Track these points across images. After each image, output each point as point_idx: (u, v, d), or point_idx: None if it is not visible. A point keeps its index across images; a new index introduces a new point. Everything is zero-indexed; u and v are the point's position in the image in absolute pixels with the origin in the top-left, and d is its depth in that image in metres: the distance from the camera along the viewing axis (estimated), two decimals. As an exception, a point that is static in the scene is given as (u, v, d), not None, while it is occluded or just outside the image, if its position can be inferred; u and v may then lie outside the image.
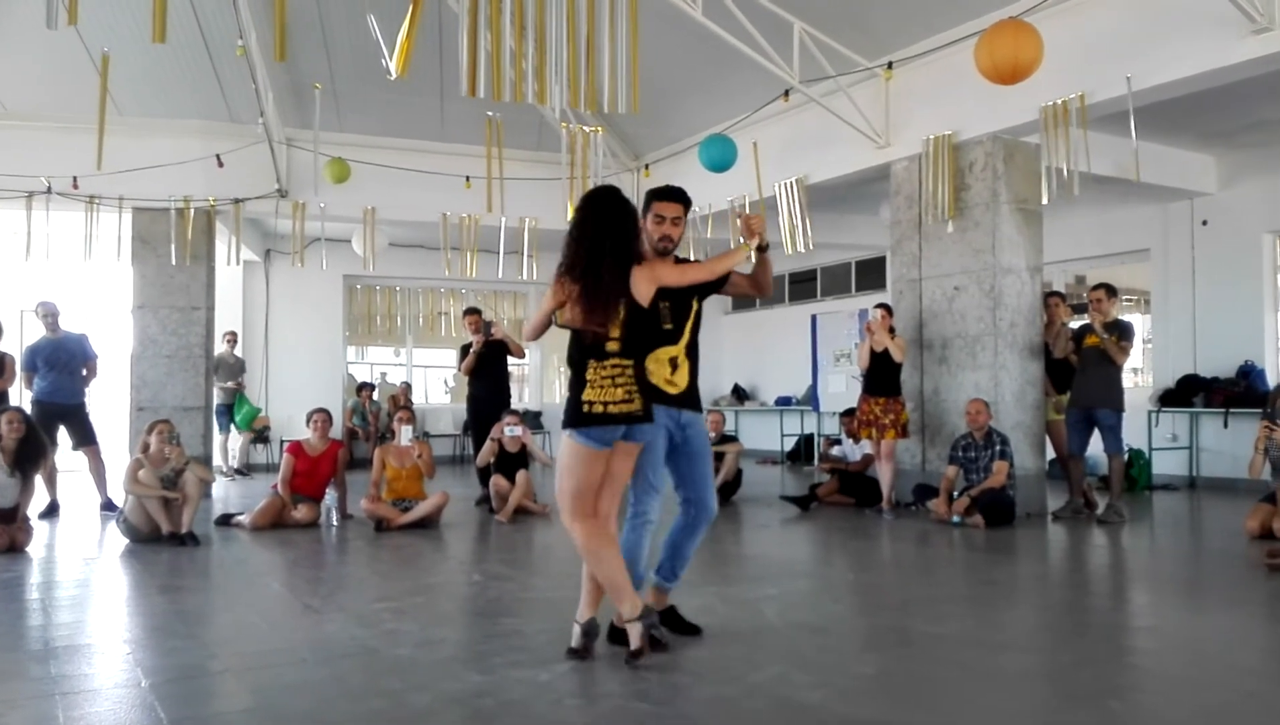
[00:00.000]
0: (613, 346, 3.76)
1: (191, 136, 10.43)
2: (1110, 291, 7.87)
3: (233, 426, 12.53)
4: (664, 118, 10.81)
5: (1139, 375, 11.99)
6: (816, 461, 11.81)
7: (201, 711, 3.45)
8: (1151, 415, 10.48)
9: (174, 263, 10.49)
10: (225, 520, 7.79)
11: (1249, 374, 10.02)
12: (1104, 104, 7.33)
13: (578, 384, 3.79)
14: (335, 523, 7.86)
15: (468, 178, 10.68)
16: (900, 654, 4.09)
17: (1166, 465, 10.49)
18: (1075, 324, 8.57)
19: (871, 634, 4.50)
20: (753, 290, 4.35)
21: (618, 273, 3.75)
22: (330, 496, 7.98)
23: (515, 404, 9.72)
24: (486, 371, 9.27)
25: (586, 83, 6.94)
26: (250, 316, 13.76)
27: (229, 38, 8.57)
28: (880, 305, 8.48)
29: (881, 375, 8.23)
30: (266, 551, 6.74)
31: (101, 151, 8.47)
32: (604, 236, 3.76)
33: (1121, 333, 7.75)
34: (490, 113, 9.83)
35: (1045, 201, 7.88)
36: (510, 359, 9.51)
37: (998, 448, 7.63)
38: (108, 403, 10.73)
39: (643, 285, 3.82)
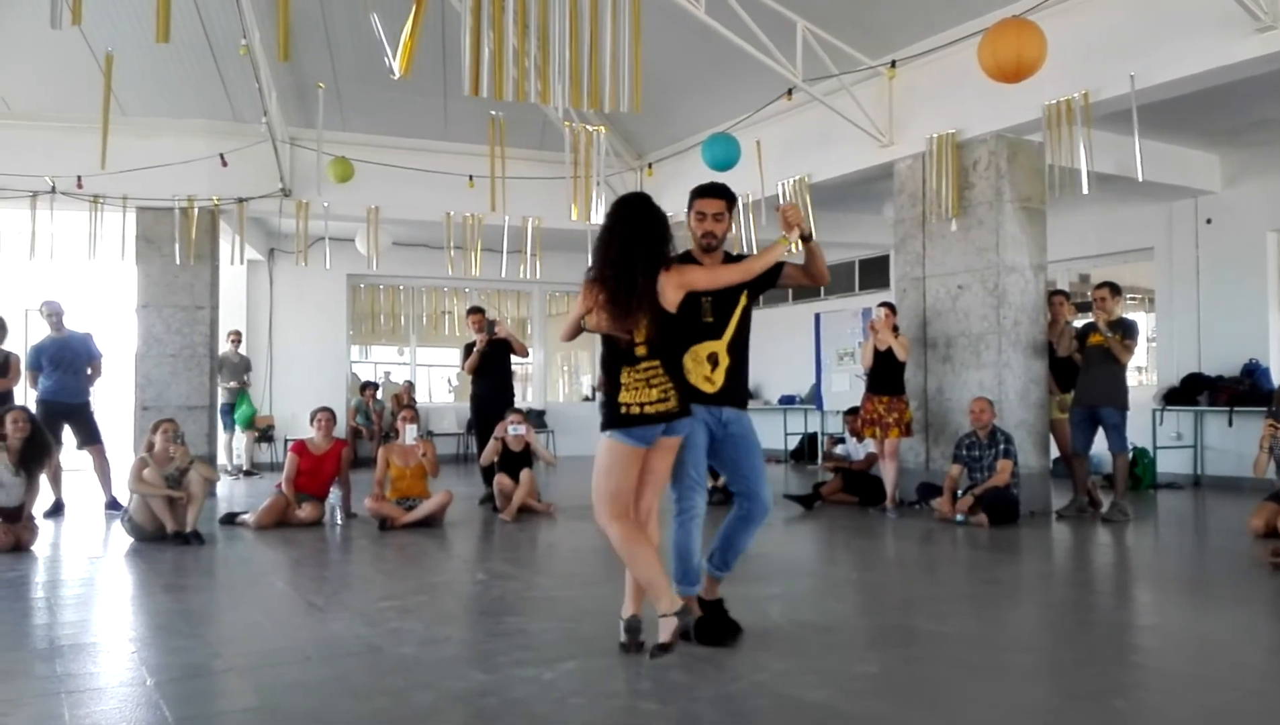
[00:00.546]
0: (641, 351, 3.77)
1: (195, 136, 10.45)
2: (1114, 290, 7.86)
3: (236, 426, 12.55)
4: (667, 116, 10.81)
5: (1143, 374, 11.97)
6: (820, 460, 11.81)
7: (206, 710, 3.46)
8: (1156, 414, 10.47)
9: (178, 262, 10.51)
10: (230, 519, 7.80)
11: (1253, 372, 10.01)
12: (1107, 102, 7.32)
13: (614, 388, 3.80)
14: (339, 522, 7.86)
15: (471, 177, 10.69)
16: (904, 653, 4.09)
17: (1171, 464, 10.48)
18: (1079, 323, 8.56)
19: (875, 633, 4.49)
20: (808, 280, 4.28)
21: (643, 281, 3.74)
22: (334, 495, 7.98)
23: (518, 403, 9.71)
24: (490, 370, 9.27)
25: (589, 82, 6.94)
26: (254, 316, 13.79)
27: (232, 37, 8.59)
28: (884, 304, 8.47)
29: (885, 374, 8.22)
30: (271, 550, 6.75)
31: (105, 151, 8.49)
32: (632, 244, 3.76)
33: (1126, 331, 7.73)
34: (493, 112, 9.84)
35: (1049, 200, 7.87)
36: (514, 358, 9.52)
37: (1001, 446, 7.62)
38: (112, 402, 10.74)
39: (669, 291, 3.80)
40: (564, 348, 16.76)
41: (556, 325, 16.34)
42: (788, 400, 14.53)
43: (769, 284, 4.18)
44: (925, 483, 8.32)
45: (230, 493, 10.22)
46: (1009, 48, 6.25)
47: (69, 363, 8.66)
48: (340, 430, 10.64)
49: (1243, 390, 9.91)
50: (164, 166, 10.15)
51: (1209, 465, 10.44)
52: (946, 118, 8.39)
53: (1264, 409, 8.21)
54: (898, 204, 9.05)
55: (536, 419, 13.70)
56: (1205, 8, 6.53)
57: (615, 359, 3.81)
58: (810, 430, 13.89)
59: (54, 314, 8.78)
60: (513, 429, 8.23)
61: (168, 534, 6.77)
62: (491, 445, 8.36)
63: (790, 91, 8.84)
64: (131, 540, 6.91)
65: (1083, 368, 7.98)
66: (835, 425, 12.22)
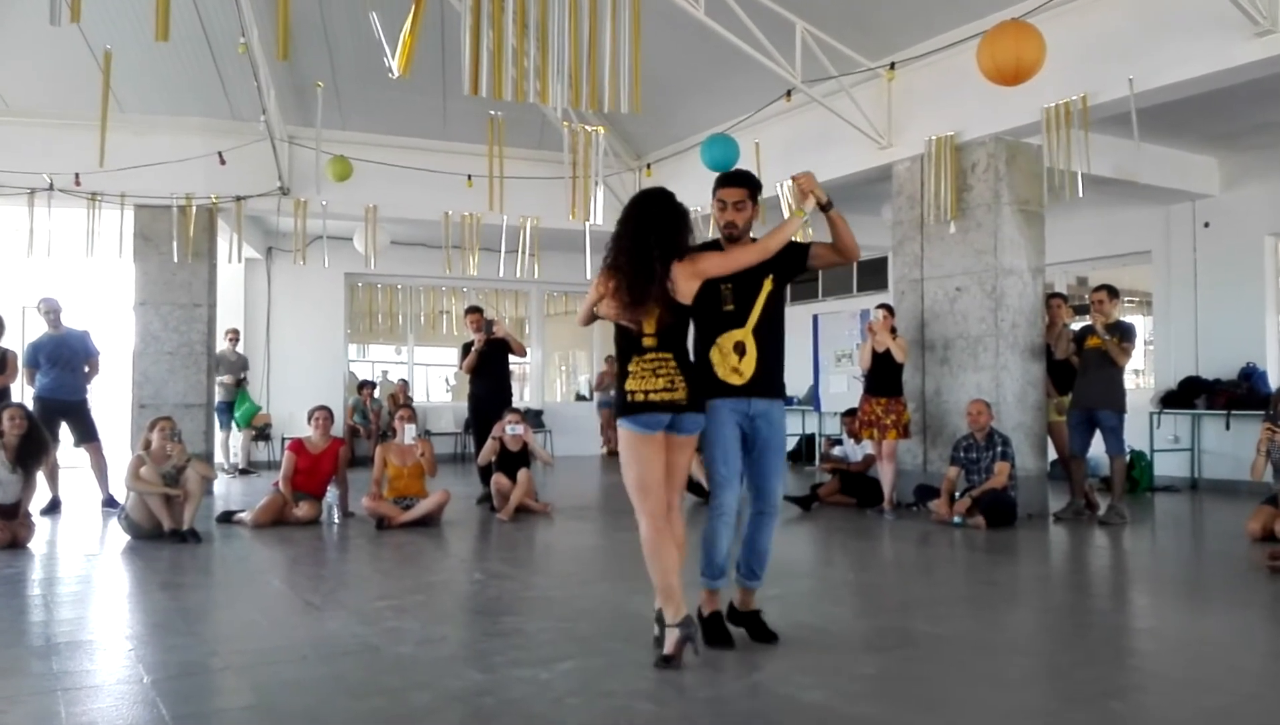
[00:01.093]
0: (649, 341, 3.78)
1: (193, 134, 10.44)
2: (1112, 293, 7.86)
3: (233, 424, 12.54)
4: (666, 117, 10.81)
5: (1140, 377, 11.98)
6: (818, 462, 11.81)
7: (203, 708, 3.46)
8: (1153, 417, 10.48)
9: (176, 260, 10.50)
10: (227, 517, 7.79)
11: (1250, 376, 10.01)
12: (1106, 105, 7.33)
13: (621, 376, 3.83)
14: (336, 520, 7.85)
15: (469, 176, 10.68)
16: (901, 655, 4.09)
17: (1168, 467, 10.49)
18: (1077, 325, 8.57)
19: (872, 635, 4.49)
20: (838, 257, 4.13)
21: (652, 271, 3.73)
22: (331, 494, 7.98)
23: (516, 402, 9.71)
24: (488, 370, 9.27)
25: (588, 82, 6.94)
26: (252, 314, 13.76)
27: (231, 35, 8.57)
28: (882, 306, 8.48)
29: (883, 376, 8.23)
30: (268, 549, 6.75)
31: (104, 148, 8.48)
32: (645, 233, 3.77)
33: (1123, 334, 7.74)
34: (492, 112, 9.83)
35: (1047, 203, 7.87)
36: (512, 357, 9.52)
37: (999, 448, 7.63)
38: (109, 399, 10.72)
39: (682, 282, 3.79)
40: (562, 348, 16.77)
41: (554, 325, 16.36)
42: (785, 401, 14.50)
43: (799, 267, 4.09)
44: (923, 484, 8.33)
45: (227, 491, 10.21)
46: (1008, 50, 6.25)
47: (66, 360, 8.65)
48: (338, 429, 10.64)
49: (1240, 394, 9.92)
50: (162, 164, 10.13)
51: (1206, 468, 10.45)
52: (945, 120, 8.39)
53: (1261, 412, 8.21)
54: (896, 206, 9.06)
55: (534, 419, 13.69)
56: (1204, 11, 6.53)
57: (625, 347, 3.84)
58: (808, 432, 13.89)
59: (51, 311, 8.76)
60: (510, 429, 8.23)
61: (165, 532, 6.76)
62: (489, 445, 8.36)
63: (789, 93, 8.84)
64: (128, 538, 6.90)
65: (1080, 370, 7.98)
66: (833, 427, 12.22)
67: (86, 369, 8.81)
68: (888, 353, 8.15)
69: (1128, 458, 8.47)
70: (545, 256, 12.06)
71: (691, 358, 3.94)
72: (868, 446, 8.77)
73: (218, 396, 11.60)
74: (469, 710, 3.33)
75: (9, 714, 3.27)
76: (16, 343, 9.40)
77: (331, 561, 6.64)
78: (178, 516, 6.81)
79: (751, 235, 4.09)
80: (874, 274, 13.96)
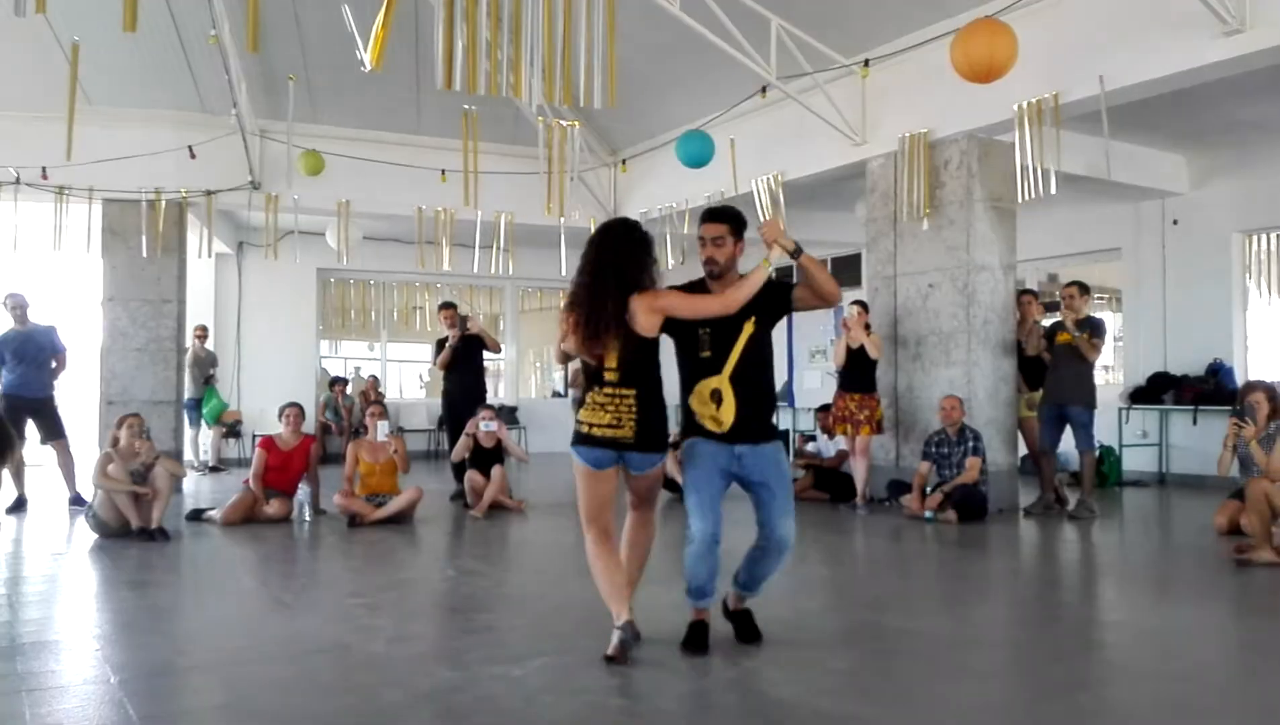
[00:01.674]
0: (610, 376, 3.76)
1: (163, 127, 10.32)
2: (1083, 289, 7.93)
3: (202, 421, 12.42)
4: (641, 112, 10.80)
5: (1110, 372, 12.10)
6: (791, 457, 11.83)
7: (171, 708, 3.42)
8: (1122, 412, 10.59)
9: (145, 255, 10.39)
10: (196, 515, 7.71)
11: (1218, 372, 10.14)
12: (1077, 103, 7.39)
13: (579, 404, 3.87)
14: (308, 518, 7.79)
15: (443, 171, 10.63)
16: (873, 649, 4.11)
17: (1137, 462, 10.60)
18: (1047, 322, 8.64)
19: (845, 630, 4.52)
20: (817, 301, 3.97)
21: (611, 305, 3.69)
22: (303, 491, 7.91)
23: (490, 399, 9.67)
24: (462, 366, 9.22)
25: (563, 76, 6.92)
26: (222, 310, 13.63)
27: (201, 27, 8.49)
28: (856, 302, 8.51)
29: (857, 372, 8.26)
30: (238, 547, 6.69)
31: (71, 141, 8.36)
32: (604, 267, 3.74)
33: (1093, 330, 7.81)
34: (466, 106, 9.78)
35: (1020, 200, 7.93)
36: (486, 353, 9.48)
37: (970, 444, 7.68)
38: (77, 396, 10.59)
39: (641, 315, 3.71)
40: (536, 344, 16.71)
41: (529, 321, 16.33)
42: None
43: (783, 309, 4.00)
44: (895, 480, 8.38)
45: (197, 489, 10.11)
46: (981, 48, 6.30)
47: (33, 356, 8.52)
48: (309, 426, 10.56)
49: (1208, 389, 10.04)
50: (131, 158, 10.00)
51: (1174, 463, 10.57)
52: (918, 117, 8.43)
53: (1228, 408, 8.31)
54: (869, 203, 9.09)
55: (508, 415, 13.64)
56: (1174, 11, 6.60)
57: (590, 378, 3.87)
58: (782, 427, 13.93)
59: (18, 307, 8.63)
60: (484, 425, 8.20)
61: (133, 530, 6.68)
62: (463, 441, 8.32)
63: (764, 89, 8.85)
64: (96, 536, 6.81)
65: (1051, 366, 8.05)
66: (807, 422, 12.27)
67: (53, 365, 8.69)
68: (862, 349, 8.18)
69: (1097, 453, 8.55)
70: (520, 252, 12.02)
71: (665, 396, 3.85)
72: (841, 442, 8.80)
73: (186, 393, 11.48)
74: (441, 708, 3.32)
75: (-28, 715, 3.22)
76: (-18, 338, 9.25)
77: (302, 559, 6.59)
78: (146, 515, 6.73)
79: (740, 272, 3.97)
80: (848, 270, 13.99)
